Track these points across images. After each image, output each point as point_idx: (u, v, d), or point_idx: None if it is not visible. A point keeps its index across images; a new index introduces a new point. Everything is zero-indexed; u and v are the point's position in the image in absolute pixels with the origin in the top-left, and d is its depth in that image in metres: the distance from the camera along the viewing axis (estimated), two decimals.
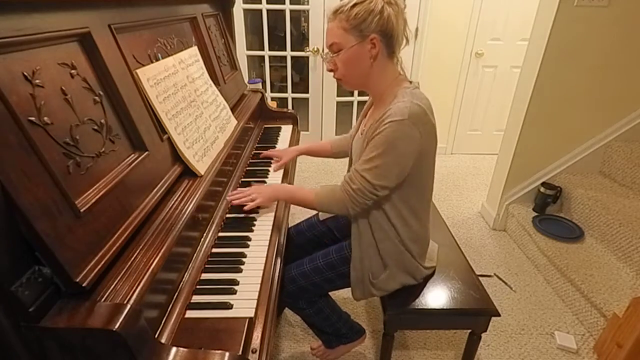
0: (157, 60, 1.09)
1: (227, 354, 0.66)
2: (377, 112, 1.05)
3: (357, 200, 1.05)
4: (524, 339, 1.65)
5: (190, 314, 0.81)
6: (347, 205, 1.06)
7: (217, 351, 0.67)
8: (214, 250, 1.02)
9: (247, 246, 1.04)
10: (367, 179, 1.01)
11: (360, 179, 1.02)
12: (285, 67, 3.28)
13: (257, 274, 0.94)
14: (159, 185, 0.91)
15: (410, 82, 1.07)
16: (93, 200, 0.69)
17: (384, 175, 1.00)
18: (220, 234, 1.08)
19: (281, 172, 1.48)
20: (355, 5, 0.96)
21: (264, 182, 1.38)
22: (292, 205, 1.69)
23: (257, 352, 0.77)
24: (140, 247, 0.77)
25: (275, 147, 1.68)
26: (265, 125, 1.93)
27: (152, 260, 0.74)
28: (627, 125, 2.10)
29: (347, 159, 1.37)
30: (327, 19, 1.04)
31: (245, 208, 1.15)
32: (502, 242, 2.31)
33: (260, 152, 1.62)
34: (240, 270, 0.95)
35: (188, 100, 1.16)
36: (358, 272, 1.18)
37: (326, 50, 1.06)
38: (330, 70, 1.07)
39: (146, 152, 0.89)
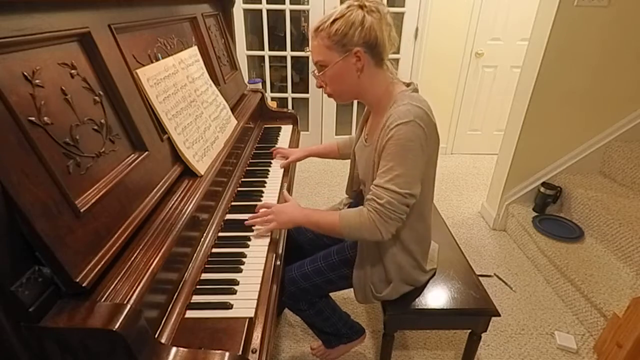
0: (157, 60, 1.09)
1: (227, 354, 0.66)
2: (378, 119, 1.03)
3: (389, 217, 0.95)
4: (524, 339, 1.65)
5: (190, 314, 0.81)
6: (378, 226, 0.96)
7: (217, 351, 0.67)
8: (214, 250, 1.02)
9: (247, 246, 1.04)
10: (393, 190, 0.94)
11: (386, 192, 0.95)
12: (285, 67, 3.28)
13: (257, 274, 0.94)
14: (159, 185, 0.91)
15: (408, 85, 1.05)
16: (93, 200, 0.69)
17: (408, 182, 0.94)
18: (220, 234, 1.08)
19: (281, 171, 1.48)
20: (335, 21, 0.94)
21: (264, 182, 1.38)
22: None
23: (257, 352, 0.77)
24: (140, 247, 0.77)
25: (275, 147, 1.68)
26: (265, 125, 1.93)
27: (152, 260, 0.74)
28: (627, 125, 2.10)
29: (348, 161, 1.37)
30: (310, 37, 1.02)
31: (260, 232, 1.08)
32: (502, 242, 2.31)
33: (260, 152, 1.62)
34: (240, 270, 0.95)
35: (188, 100, 1.16)
36: (361, 280, 1.17)
37: (313, 68, 1.04)
38: (320, 87, 1.06)
39: (146, 152, 0.89)
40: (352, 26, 0.93)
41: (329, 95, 1.07)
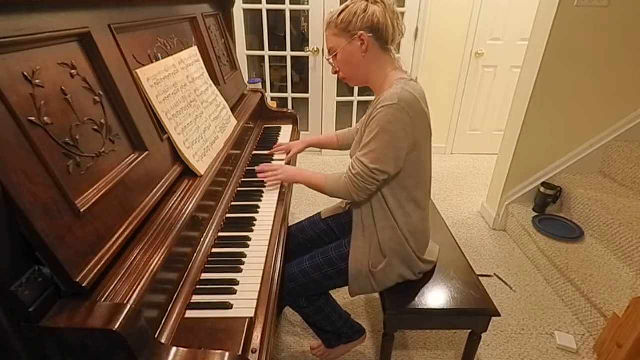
0: (157, 60, 1.09)
1: (227, 354, 0.66)
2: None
3: (358, 185, 1.08)
4: (524, 339, 1.65)
5: (190, 314, 0.81)
6: (350, 191, 1.11)
7: (217, 351, 0.67)
8: (214, 250, 1.02)
9: (247, 246, 1.04)
10: (364, 163, 1.06)
11: (359, 164, 1.08)
12: (285, 67, 3.27)
13: (257, 274, 0.94)
14: (159, 185, 0.91)
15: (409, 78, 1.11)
16: (93, 200, 0.69)
17: (379, 159, 1.05)
18: (220, 234, 1.08)
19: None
20: (341, 12, 1.09)
21: (264, 181, 1.38)
22: (292, 205, 1.70)
23: (257, 352, 0.77)
24: (140, 247, 0.77)
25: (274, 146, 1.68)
26: (265, 125, 1.93)
27: (152, 260, 0.74)
28: (627, 125, 2.10)
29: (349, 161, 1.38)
30: (323, 31, 1.16)
31: (268, 182, 1.29)
32: (502, 242, 2.31)
33: (260, 152, 1.62)
34: (240, 270, 0.95)
35: (188, 100, 1.16)
36: (357, 262, 1.19)
37: (328, 56, 1.17)
38: (335, 72, 1.17)
39: (146, 152, 0.89)
40: (354, 15, 1.06)
41: (343, 79, 1.18)
